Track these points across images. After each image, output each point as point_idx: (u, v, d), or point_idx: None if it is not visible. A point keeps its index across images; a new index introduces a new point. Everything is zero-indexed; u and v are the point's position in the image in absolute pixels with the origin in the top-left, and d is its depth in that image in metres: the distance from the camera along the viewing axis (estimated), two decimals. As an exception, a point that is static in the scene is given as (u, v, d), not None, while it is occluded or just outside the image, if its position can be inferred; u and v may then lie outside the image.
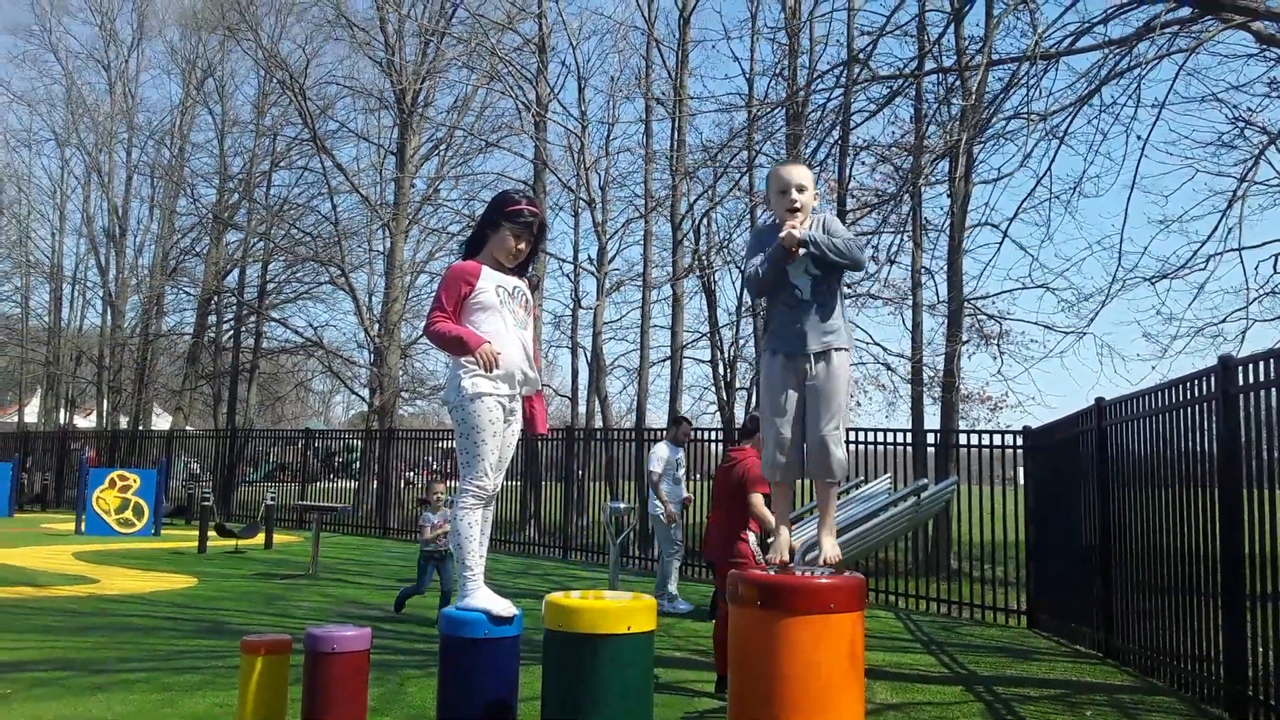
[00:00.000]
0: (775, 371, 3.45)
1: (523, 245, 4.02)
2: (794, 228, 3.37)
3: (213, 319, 29.29)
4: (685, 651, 7.54)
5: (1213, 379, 6.01)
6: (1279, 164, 15.62)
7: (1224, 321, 17.05)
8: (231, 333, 29.84)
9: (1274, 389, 5.44)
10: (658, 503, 9.96)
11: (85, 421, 33.81)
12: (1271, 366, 5.46)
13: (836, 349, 3.41)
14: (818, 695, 3.01)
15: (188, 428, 28.38)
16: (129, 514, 17.22)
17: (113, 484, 17.33)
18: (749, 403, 19.65)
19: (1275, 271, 16.50)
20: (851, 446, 11.29)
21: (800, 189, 3.49)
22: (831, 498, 3.55)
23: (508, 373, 3.90)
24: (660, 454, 10.15)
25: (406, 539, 17.68)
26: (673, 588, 9.86)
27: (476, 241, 4.09)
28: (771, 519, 6.60)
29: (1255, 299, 16.34)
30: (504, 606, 3.71)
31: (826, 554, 3.39)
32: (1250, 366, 5.70)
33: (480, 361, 3.77)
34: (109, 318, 29.88)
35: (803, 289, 3.44)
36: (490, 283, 3.95)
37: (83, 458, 19.55)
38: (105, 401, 29.74)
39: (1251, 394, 5.67)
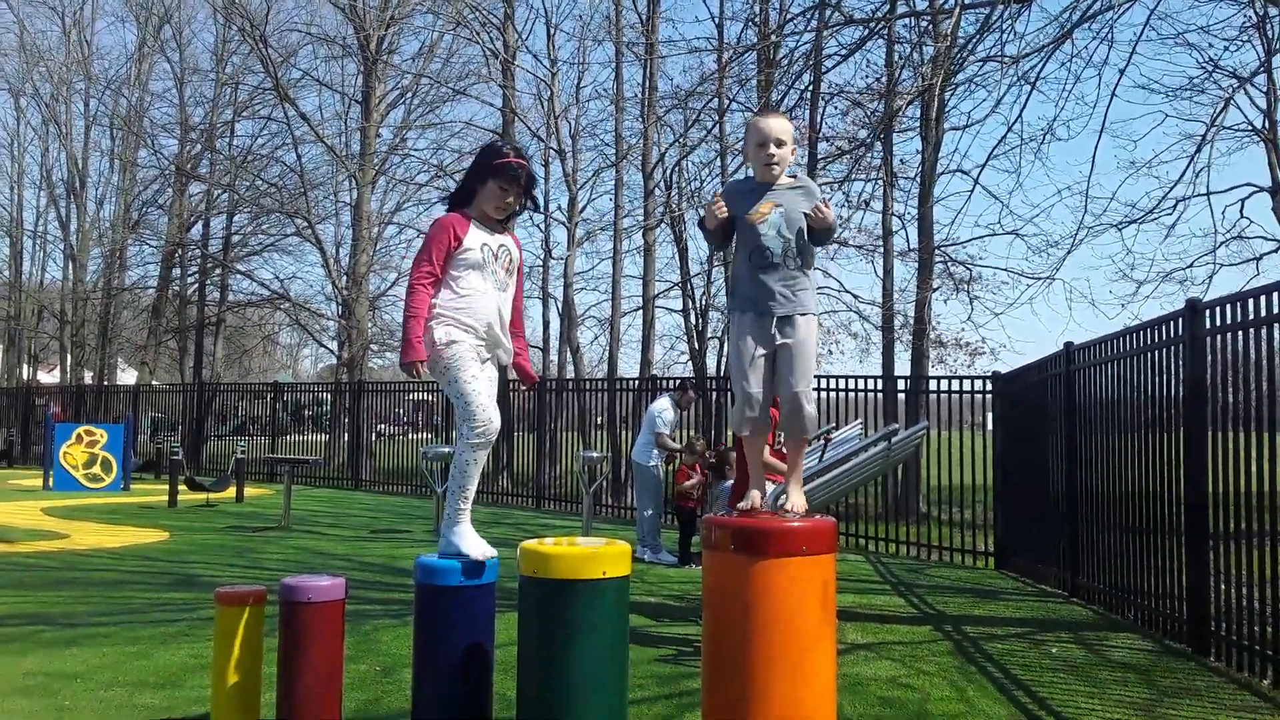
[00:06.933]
0: (744, 329, 3.50)
1: (511, 198, 3.96)
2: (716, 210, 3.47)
3: (177, 272, 28.85)
4: (659, 597, 7.61)
5: (1180, 322, 6.07)
6: (1247, 108, 15.68)
7: (1191, 266, 17.28)
8: (196, 286, 29.42)
9: (1240, 332, 5.50)
10: (656, 459, 9.98)
11: (49, 377, 33.33)
12: (1238, 309, 5.51)
13: (802, 314, 3.46)
14: (791, 636, 3.05)
15: (154, 382, 28.07)
16: (97, 469, 17.07)
17: (80, 439, 17.15)
18: (721, 351, 19.69)
19: (1242, 215, 16.68)
20: (823, 393, 11.35)
21: (779, 143, 3.50)
22: (800, 453, 3.66)
23: (479, 329, 3.91)
24: (669, 418, 10.12)
25: (378, 491, 17.67)
26: (659, 540, 9.94)
27: (464, 195, 4.02)
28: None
29: (1222, 243, 16.57)
30: (483, 550, 3.74)
31: (794, 503, 3.48)
32: (1217, 309, 5.75)
33: (407, 372, 3.84)
34: (71, 272, 29.34)
35: (774, 251, 3.46)
36: (477, 240, 3.91)
37: (48, 413, 19.29)
38: (69, 357, 29.32)
39: (1218, 337, 5.73)
